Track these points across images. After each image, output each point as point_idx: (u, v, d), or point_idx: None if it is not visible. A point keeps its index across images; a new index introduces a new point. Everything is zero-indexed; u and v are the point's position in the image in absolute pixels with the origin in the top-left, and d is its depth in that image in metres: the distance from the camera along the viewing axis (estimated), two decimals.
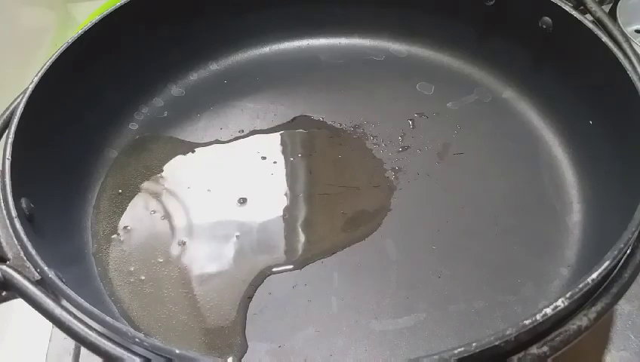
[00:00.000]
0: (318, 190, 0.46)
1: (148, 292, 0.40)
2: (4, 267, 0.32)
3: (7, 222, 0.34)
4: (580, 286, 0.29)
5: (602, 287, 0.30)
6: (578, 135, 0.46)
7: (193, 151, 0.49)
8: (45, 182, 0.41)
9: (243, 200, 0.45)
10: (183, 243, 0.43)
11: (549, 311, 0.28)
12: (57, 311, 0.30)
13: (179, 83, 0.54)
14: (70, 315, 0.29)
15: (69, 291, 0.31)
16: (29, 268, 0.32)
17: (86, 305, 0.30)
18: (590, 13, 0.43)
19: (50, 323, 0.31)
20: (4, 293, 0.32)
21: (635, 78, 0.38)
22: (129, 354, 0.28)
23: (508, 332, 0.27)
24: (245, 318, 0.39)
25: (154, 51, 0.51)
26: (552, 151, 0.47)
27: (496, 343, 0.27)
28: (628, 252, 0.31)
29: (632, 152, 0.39)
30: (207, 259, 0.42)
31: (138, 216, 0.44)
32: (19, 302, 0.32)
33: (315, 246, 0.42)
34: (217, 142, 0.49)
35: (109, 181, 0.47)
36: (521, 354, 0.28)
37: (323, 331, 0.38)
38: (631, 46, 0.40)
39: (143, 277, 0.41)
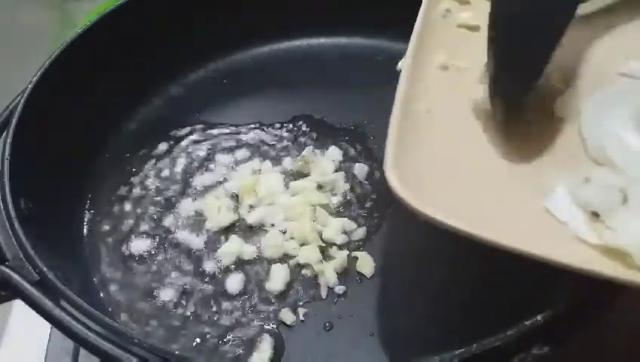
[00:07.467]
0: None
1: (146, 294, 0.40)
2: (2, 267, 0.32)
3: (7, 222, 0.34)
4: None
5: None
6: None
7: (193, 151, 0.49)
8: (44, 182, 0.41)
9: (242, 202, 0.45)
10: (181, 245, 0.42)
11: (550, 311, 0.28)
12: (56, 311, 0.30)
13: (178, 83, 0.54)
14: (69, 316, 0.29)
15: (68, 292, 0.31)
16: (27, 268, 0.32)
17: (85, 305, 0.30)
18: None
19: (49, 324, 0.31)
20: (2, 293, 0.32)
21: None
22: (128, 355, 0.28)
23: (509, 333, 0.27)
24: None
25: (153, 51, 0.51)
26: None
27: (497, 344, 0.27)
28: None
29: None
30: (205, 259, 0.42)
31: (137, 218, 0.44)
32: (18, 303, 0.32)
33: None
34: (217, 141, 0.49)
35: (107, 181, 0.47)
36: (522, 355, 0.28)
37: (323, 331, 0.38)
38: None
39: (142, 279, 0.41)
